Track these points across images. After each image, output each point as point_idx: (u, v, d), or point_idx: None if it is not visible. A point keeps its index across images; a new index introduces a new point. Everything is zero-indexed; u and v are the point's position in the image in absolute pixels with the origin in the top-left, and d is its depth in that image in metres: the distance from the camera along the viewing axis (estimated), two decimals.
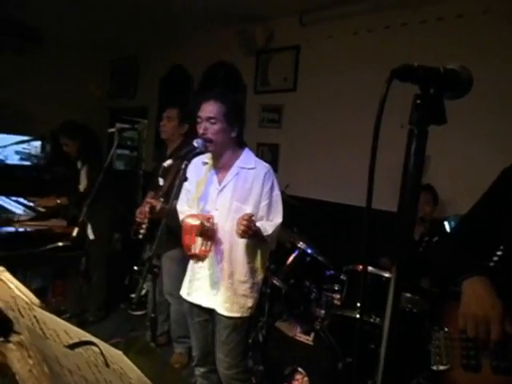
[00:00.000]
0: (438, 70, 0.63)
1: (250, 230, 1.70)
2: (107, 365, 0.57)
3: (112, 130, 2.43)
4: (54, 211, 3.23)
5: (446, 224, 2.28)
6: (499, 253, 1.18)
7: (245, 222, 1.68)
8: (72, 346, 0.61)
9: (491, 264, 1.24)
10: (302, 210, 3.02)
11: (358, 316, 2.34)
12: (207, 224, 1.80)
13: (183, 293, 2.05)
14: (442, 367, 1.14)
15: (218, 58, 4.65)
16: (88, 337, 0.60)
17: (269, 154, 4.09)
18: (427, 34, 3.15)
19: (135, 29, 4.83)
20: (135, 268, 2.84)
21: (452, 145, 2.99)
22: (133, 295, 3.52)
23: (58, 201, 3.29)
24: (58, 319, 0.65)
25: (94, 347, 0.59)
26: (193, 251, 1.81)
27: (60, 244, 2.62)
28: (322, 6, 3.63)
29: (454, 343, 1.13)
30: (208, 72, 4.79)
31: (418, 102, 0.63)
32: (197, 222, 1.74)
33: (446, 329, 1.16)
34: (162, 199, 2.42)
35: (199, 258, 1.85)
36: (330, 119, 3.72)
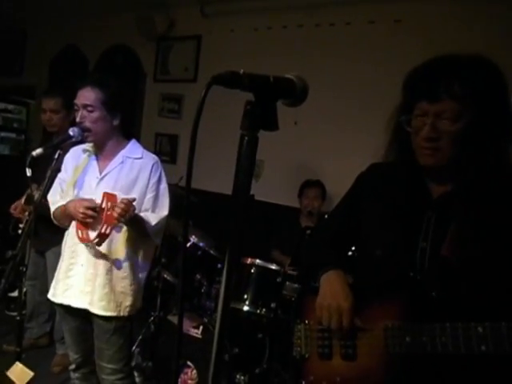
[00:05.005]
0: (268, 78, 0.65)
1: (126, 214, 1.61)
2: None
3: None
4: None
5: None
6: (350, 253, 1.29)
7: (122, 205, 1.59)
8: None
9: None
10: (198, 203, 2.99)
11: (245, 308, 2.40)
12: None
13: (50, 295, 1.87)
14: (301, 356, 1.22)
15: (117, 42, 4.38)
16: None
17: (168, 144, 3.98)
18: (321, 37, 3.31)
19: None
20: None
21: (339, 144, 3.22)
22: (11, 294, 3.20)
23: None
24: None
25: None
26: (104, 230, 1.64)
27: None
28: None
29: (312, 334, 1.21)
30: (105, 55, 4.49)
31: (248, 108, 0.64)
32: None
33: (307, 321, 1.23)
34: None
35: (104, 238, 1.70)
36: (230, 112, 3.71)
